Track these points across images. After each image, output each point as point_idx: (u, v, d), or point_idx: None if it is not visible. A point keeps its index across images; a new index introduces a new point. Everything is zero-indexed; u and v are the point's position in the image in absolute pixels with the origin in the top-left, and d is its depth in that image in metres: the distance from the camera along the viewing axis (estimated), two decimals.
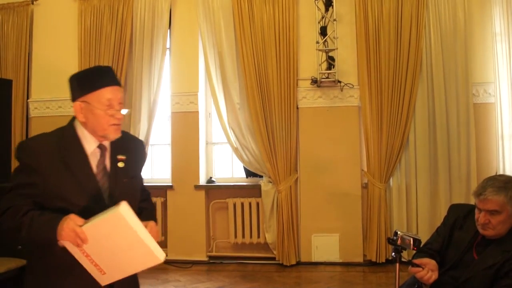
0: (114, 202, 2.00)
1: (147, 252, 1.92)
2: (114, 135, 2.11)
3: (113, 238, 1.88)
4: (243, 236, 5.66)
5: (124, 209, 1.85)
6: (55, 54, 6.14)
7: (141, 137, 5.75)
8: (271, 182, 5.50)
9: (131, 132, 5.70)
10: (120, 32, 5.84)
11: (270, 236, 5.54)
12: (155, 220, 2.27)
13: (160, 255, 1.94)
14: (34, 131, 6.19)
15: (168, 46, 5.89)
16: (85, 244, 1.88)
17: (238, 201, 5.66)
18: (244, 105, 5.56)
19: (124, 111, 2.12)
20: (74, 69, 5.89)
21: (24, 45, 6.22)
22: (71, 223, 1.87)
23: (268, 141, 5.44)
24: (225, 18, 5.59)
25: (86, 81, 2.11)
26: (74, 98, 2.13)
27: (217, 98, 5.61)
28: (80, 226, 1.87)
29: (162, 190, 5.86)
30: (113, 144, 2.18)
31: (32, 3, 6.24)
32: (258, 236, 5.64)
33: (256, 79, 5.46)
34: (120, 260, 1.94)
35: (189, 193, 5.71)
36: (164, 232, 5.83)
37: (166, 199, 5.84)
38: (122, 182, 2.15)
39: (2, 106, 4.69)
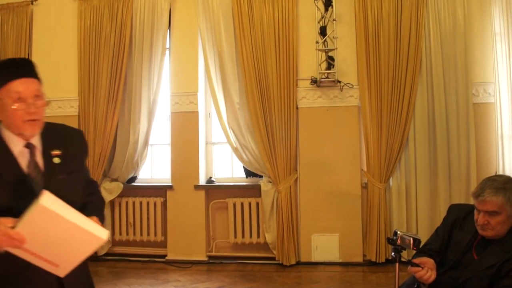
0: None
1: (87, 235, 1.85)
2: (30, 131, 1.95)
3: (49, 230, 1.79)
4: (243, 236, 5.67)
5: (45, 199, 1.75)
6: (55, 54, 6.15)
7: (141, 137, 5.79)
8: (270, 182, 5.51)
9: (131, 133, 5.75)
10: (119, 32, 5.84)
11: (270, 236, 5.55)
12: (101, 213, 2.17)
13: (101, 234, 1.87)
14: None
15: (167, 46, 5.90)
16: (25, 244, 1.76)
17: (238, 201, 5.67)
18: (244, 105, 5.57)
19: (40, 104, 1.95)
20: (73, 69, 5.98)
21: (23, 45, 6.23)
22: (1, 228, 1.73)
23: (268, 141, 5.45)
24: (224, 18, 5.60)
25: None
26: None
27: (216, 98, 5.62)
28: (13, 227, 1.75)
29: (162, 190, 5.88)
30: (45, 139, 2.04)
31: (32, 3, 6.24)
32: (258, 236, 5.65)
33: (255, 79, 5.47)
34: (66, 249, 1.86)
35: (189, 193, 5.72)
36: (164, 232, 5.86)
37: (166, 199, 5.85)
38: (58, 179, 2.01)
39: None
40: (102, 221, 2.09)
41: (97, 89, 5.87)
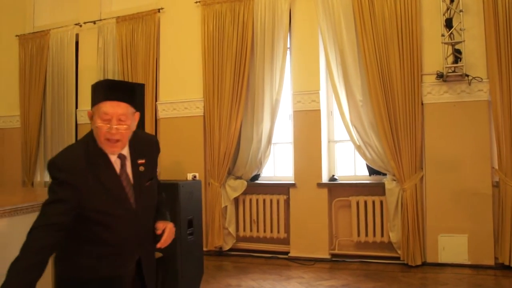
0: (140, 207, 2.30)
1: None
2: (109, 150, 2.21)
3: None
4: (366, 234, 5.81)
5: None
6: (181, 58, 6.77)
7: (264, 136, 6.18)
8: (395, 180, 5.59)
9: (254, 132, 6.08)
10: (241, 34, 6.28)
11: (394, 235, 5.62)
12: (167, 216, 2.51)
13: None
14: (162, 132, 6.80)
15: (288, 45, 6.21)
16: None
17: (361, 199, 5.83)
18: (367, 102, 5.72)
19: (123, 128, 2.17)
20: (198, 72, 6.46)
21: (152, 50, 6.92)
22: None
23: (392, 138, 5.56)
24: (345, 15, 5.79)
25: (94, 93, 2.26)
26: (91, 107, 2.26)
27: (338, 95, 5.82)
28: None
29: (285, 188, 6.21)
30: (133, 149, 2.31)
31: (159, 11, 6.90)
32: (382, 235, 5.76)
33: (378, 75, 5.60)
34: None
35: (311, 191, 5.99)
36: (287, 229, 6.19)
37: (288, 197, 6.17)
38: (145, 187, 2.34)
39: (136, 109, 5.10)
40: (168, 219, 2.49)
41: (221, 90, 6.33)
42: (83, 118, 7.29)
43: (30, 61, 7.87)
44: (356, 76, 5.77)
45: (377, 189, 5.76)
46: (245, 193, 6.29)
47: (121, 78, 6.94)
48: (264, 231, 6.26)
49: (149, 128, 6.61)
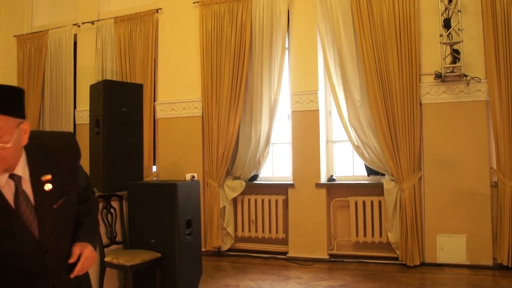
0: (45, 234, 1.84)
1: None
2: None
3: None
4: (365, 234, 5.82)
5: None
6: (179, 59, 6.78)
7: (263, 136, 6.18)
8: (393, 181, 5.60)
9: (253, 132, 6.12)
10: (240, 35, 6.29)
11: (392, 236, 5.63)
12: (93, 235, 2.09)
13: None
14: (161, 132, 6.82)
15: (287, 46, 6.21)
16: None
17: (360, 199, 5.83)
18: (365, 102, 5.74)
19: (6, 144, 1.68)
20: (197, 72, 6.49)
21: (150, 50, 6.94)
22: None
23: (390, 138, 5.57)
24: (343, 15, 5.81)
25: None
26: None
27: (337, 95, 5.83)
28: None
29: (283, 188, 6.22)
30: (33, 162, 1.83)
31: (157, 12, 6.89)
32: (380, 235, 5.77)
33: (376, 75, 5.62)
34: None
35: (310, 191, 6.00)
36: (285, 229, 6.19)
37: (287, 197, 6.17)
38: (53, 209, 1.86)
39: (135, 110, 5.16)
40: (94, 246, 2.04)
41: (220, 90, 6.34)
42: (82, 118, 7.31)
43: (28, 62, 7.90)
44: (354, 76, 5.78)
45: (375, 189, 5.76)
46: (243, 193, 6.29)
47: (119, 78, 6.96)
48: (263, 231, 6.26)
49: (147, 129, 6.57)
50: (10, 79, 7.89)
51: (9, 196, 1.78)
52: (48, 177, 1.84)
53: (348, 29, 5.79)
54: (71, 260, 1.90)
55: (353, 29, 5.77)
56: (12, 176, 1.78)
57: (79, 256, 1.91)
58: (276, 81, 6.08)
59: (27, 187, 1.81)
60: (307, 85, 6.07)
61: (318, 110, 6.00)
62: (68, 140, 2.03)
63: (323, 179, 6.04)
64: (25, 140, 1.77)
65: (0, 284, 1.83)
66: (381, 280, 5.11)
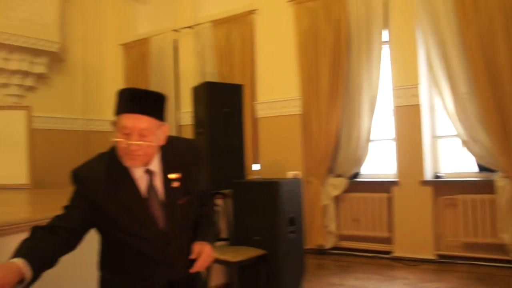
0: (169, 226, 2.08)
1: None
2: (129, 164, 2.02)
3: None
4: (475, 235, 5.48)
5: None
6: (276, 58, 6.84)
7: (363, 133, 6.04)
8: (507, 177, 5.20)
9: (353, 129, 5.99)
10: (336, 31, 6.21)
11: (507, 237, 5.25)
12: (209, 235, 2.26)
13: None
14: (261, 131, 6.91)
15: (385, 39, 6.03)
16: None
17: (469, 197, 5.50)
18: (472, 94, 5.40)
19: (145, 144, 1.98)
20: (295, 70, 6.51)
21: (248, 51, 7.05)
22: None
23: (501, 131, 5.21)
24: (445, 4, 5.51)
25: (117, 103, 2.02)
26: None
27: (440, 89, 5.55)
28: None
29: (387, 186, 6.04)
30: (165, 161, 2.12)
31: (253, 13, 6.98)
32: (493, 236, 5.38)
33: (484, 65, 5.26)
34: None
35: (415, 189, 5.78)
36: (389, 228, 6.00)
37: (390, 195, 5.98)
38: (179, 205, 2.12)
39: (236, 109, 5.26)
40: (212, 243, 2.22)
41: (319, 88, 6.29)
42: (184, 120, 7.60)
43: (133, 68, 8.32)
44: (459, 67, 5.46)
45: (486, 186, 5.38)
46: (346, 191, 6.19)
47: (219, 80, 7.11)
48: (366, 229, 6.12)
49: (248, 129, 6.67)
50: (119, 85, 8.32)
51: (143, 188, 2.07)
52: (177, 175, 2.12)
53: (450, 18, 5.47)
54: (192, 256, 2.10)
55: (455, 17, 5.44)
56: (147, 171, 2.07)
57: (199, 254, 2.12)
58: (375, 77, 5.93)
59: (157, 182, 2.10)
60: (407, 79, 5.84)
61: (419, 105, 5.76)
62: (193, 146, 2.33)
63: (428, 176, 5.78)
64: (163, 140, 2.08)
65: (127, 264, 2.11)
66: (496, 285, 4.82)
